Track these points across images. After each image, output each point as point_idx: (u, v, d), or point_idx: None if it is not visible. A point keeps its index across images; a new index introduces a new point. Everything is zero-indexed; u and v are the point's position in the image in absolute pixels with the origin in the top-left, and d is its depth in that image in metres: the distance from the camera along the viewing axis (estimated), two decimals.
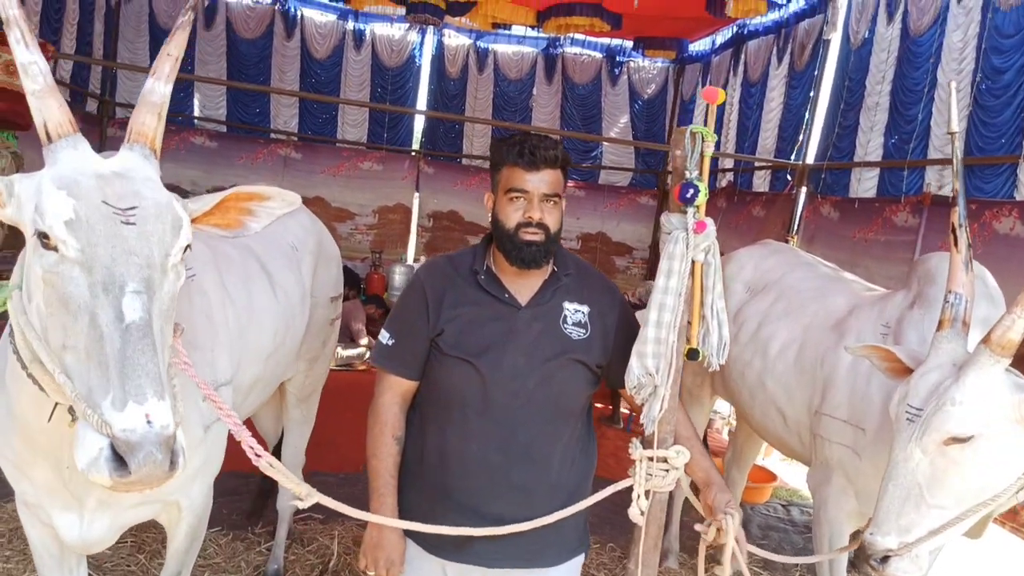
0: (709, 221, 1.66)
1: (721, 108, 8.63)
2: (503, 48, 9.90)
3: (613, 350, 1.83)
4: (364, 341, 7.43)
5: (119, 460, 1.12)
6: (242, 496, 4.02)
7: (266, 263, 2.50)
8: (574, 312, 1.82)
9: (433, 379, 1.78)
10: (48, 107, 1.30)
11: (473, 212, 9.80)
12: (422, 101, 9.89)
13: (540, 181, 1.72)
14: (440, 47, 9.76)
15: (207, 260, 2.09)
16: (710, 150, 1.67)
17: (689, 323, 1.70)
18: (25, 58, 1.28)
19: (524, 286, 1.81)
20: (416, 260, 9.80)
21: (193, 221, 1.40)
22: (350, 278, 9.11)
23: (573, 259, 1.92)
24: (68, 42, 7.45)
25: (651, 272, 9.95)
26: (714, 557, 1.79)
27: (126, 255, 1.21)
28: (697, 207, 1.65)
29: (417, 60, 9.74)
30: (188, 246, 1.34)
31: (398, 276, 9.06)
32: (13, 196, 1.29)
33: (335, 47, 9.44)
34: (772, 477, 5.08)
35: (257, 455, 1.47)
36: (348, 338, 7.44)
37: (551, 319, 1.80)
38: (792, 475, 5.47)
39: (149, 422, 1.13)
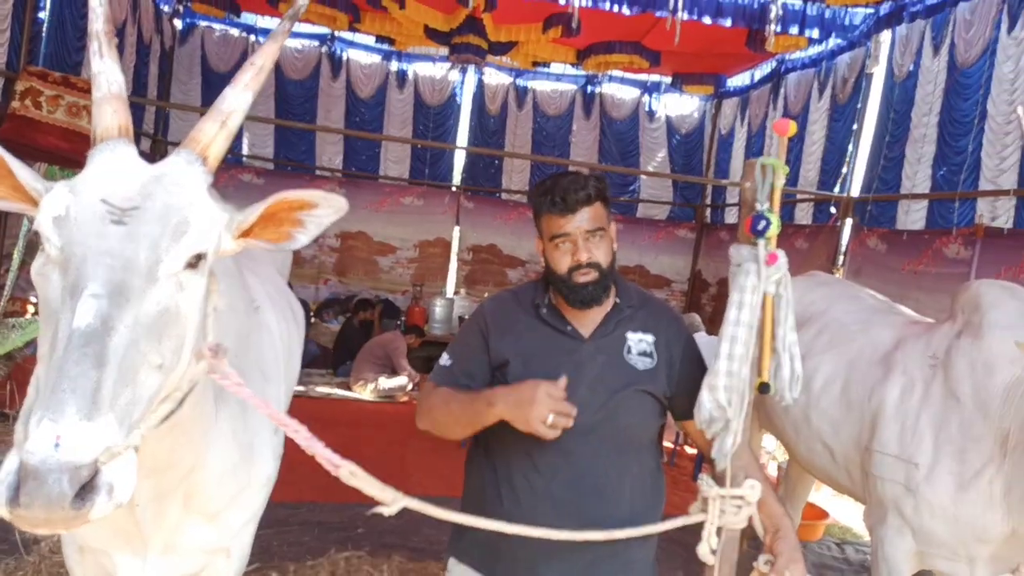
0: (781, 253, 1.64)
1: (759, 139, 8.62)
2: (542, 85, 10.05)
3: (678, 381, 1.80)
4: (407, 373, 7.46)
5: None
6: (291, 527, 4.04)
7: (285, 294, 2.53)
8: (638, 342, 1.80)
9: None
10: (101, 112, 1.22)
11: (512, 245, 9.86)
12: (462, 138, 10.06)
13: (579, 221, 1.72)
14: (480, 85, 9.94)
15: (263, 295, 2.12)
16: (781, 182, 1.66)
17: (760, 356, 1.68)
18: (96, 68, 1.25)
19: (586, 318, 1.81)
20: (456, 293, 9.87)
21: (246, 235, 1.31)
22: (389, 310, 9.22)
23: (636, 290, 1.91)
24: (125, 85, 7.74)
25: (690, 305, 9.86)
26: None
27: (99, 255, 1.07)
28: (768, 239, 1.64)
29: (458, 98, 9.93)
30: (201, 256, 1.19)
31: (439, 309, 9.12)
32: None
33: (379, 86, 9.68)
34: (824, 514, 4.94)
35: (336, 465, 1.33)
36: (390, 370, 7.48)
37: (614, 350, 1.79)
38: (845, 512, 5.31)
39: (56, 444, 0.93)
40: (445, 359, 1.84)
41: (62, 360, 1.00)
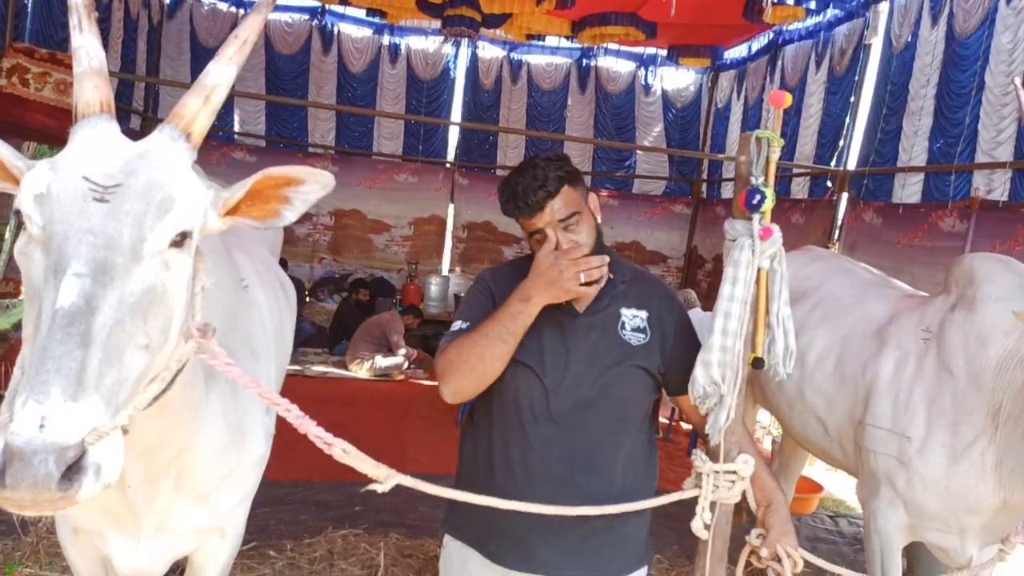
0: (775, 227, 1.63)
1: (756, 113, 8.56)
2: (536, 59, 9.94)
3: (671, 355, 1.80)
4: (402, 351, 7.46)
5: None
6: (288, 505, 4.06)
7: (276, 272, 2.51)
8: (632, 317, 1.80)
9: (496, 384, 1.77)
10: (82, 88, 1.20)
11: (507, 222, 9.73)
12: (456, 113, 9.97)
13: (550, 215, 1.69)
14: (474, 59, 9.83)
15: (252, 273, 2.10)
16: (776, 156, 1.64)
17: (754, 331, 1.67)
18: (76, 42, 1.23)
19: None
20: (451, 271, 9.85)
21: (232, 213, 1.29)
22: (384, 288, 9.20)
23: (629, 266, 1.91)
24: (113, 62, 7.65)
25: (686, 281, 9.87)
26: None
27: (81, 233, 1.06)
28: (763, 213, 1.62)
29: (451, 72, 9.83)
30: (186, 234, 1.18)
31: (434, 287, 9.11)
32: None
33: (371, 61, 9.57)
34: (818, 488, 4.98)
35: (328, 444, 1.32)
36: (386, 348, 7.48)
37: (608, 326, 1.78)
38: (838, 485, 5.36)
39: (42, 426, 0.93)
40: (459, 324, 1.79)
41: (46, 340, 0.99)
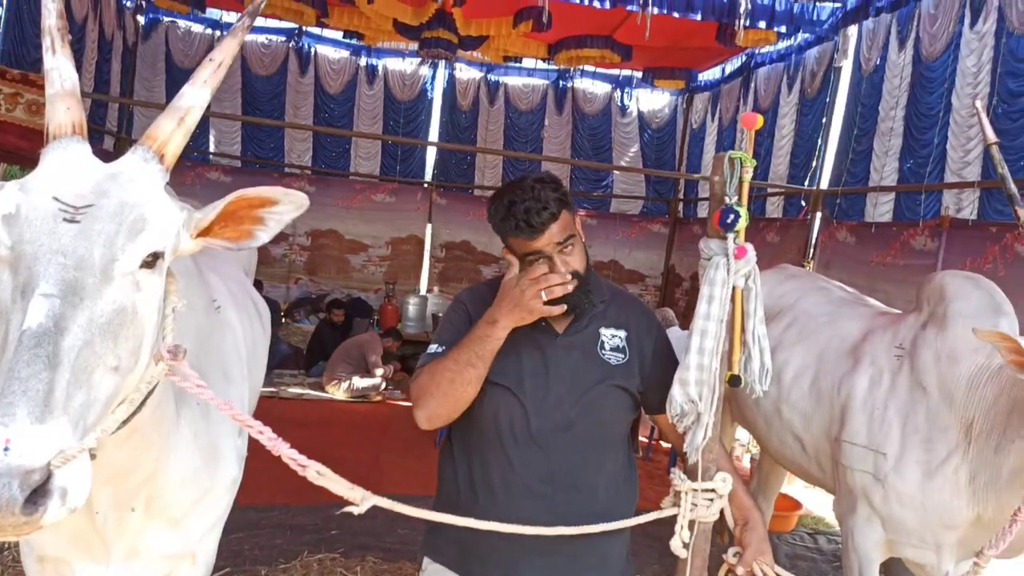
0: (749, 246, 1.65)
1: (730, 134, 8.69)
2: (514, 80, 10.03)
3: (649, 374, 1.80)
4: (380, 372, 7.39)
5: None
6: (263, 530, 3.98)
7: (250, 293, 2.49)
8: (611, 337, 1.80)
9: (475, 405, 1.75)
10: (54, 110, 1.20)
11: (485, 242, 9.84)
12: (434, 133, 10.01)
13: (548, 238, 1.69)
14: (452, 80, 9.89)
15: (226, 294, 2.08)
16: (749, 175, 1.66)
17: (731, 349, 1.68)
18: (49, 64, 1.23)
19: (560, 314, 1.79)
20: (429, 291, 9.83)
21: (205, 234, 1.29)
22: (361, 309, 9.14)
23: (608, 285, 1.91)
24: (87, 82, 7.59)
25: (664, 300, 9.93)
26: None
27: (51, 254, 1.05)
28: (737, 232, 1.64)
29: (429, 93, 9.88)
30: (158, 255, 1.17)
31: (412, 307, 9.07)
32: None
33: (348, 82, 9.59)
34: (797, 505, 4.99)
35: (302, 465, 1.29)
36: (364, 370, 7.41)
37: (588, 346, 1.78)
38: (817, 503, 5.38)
39: (6, 449, 0.92)
40: (435, 347, 1.78)
41: (12, 362, 0.98)
